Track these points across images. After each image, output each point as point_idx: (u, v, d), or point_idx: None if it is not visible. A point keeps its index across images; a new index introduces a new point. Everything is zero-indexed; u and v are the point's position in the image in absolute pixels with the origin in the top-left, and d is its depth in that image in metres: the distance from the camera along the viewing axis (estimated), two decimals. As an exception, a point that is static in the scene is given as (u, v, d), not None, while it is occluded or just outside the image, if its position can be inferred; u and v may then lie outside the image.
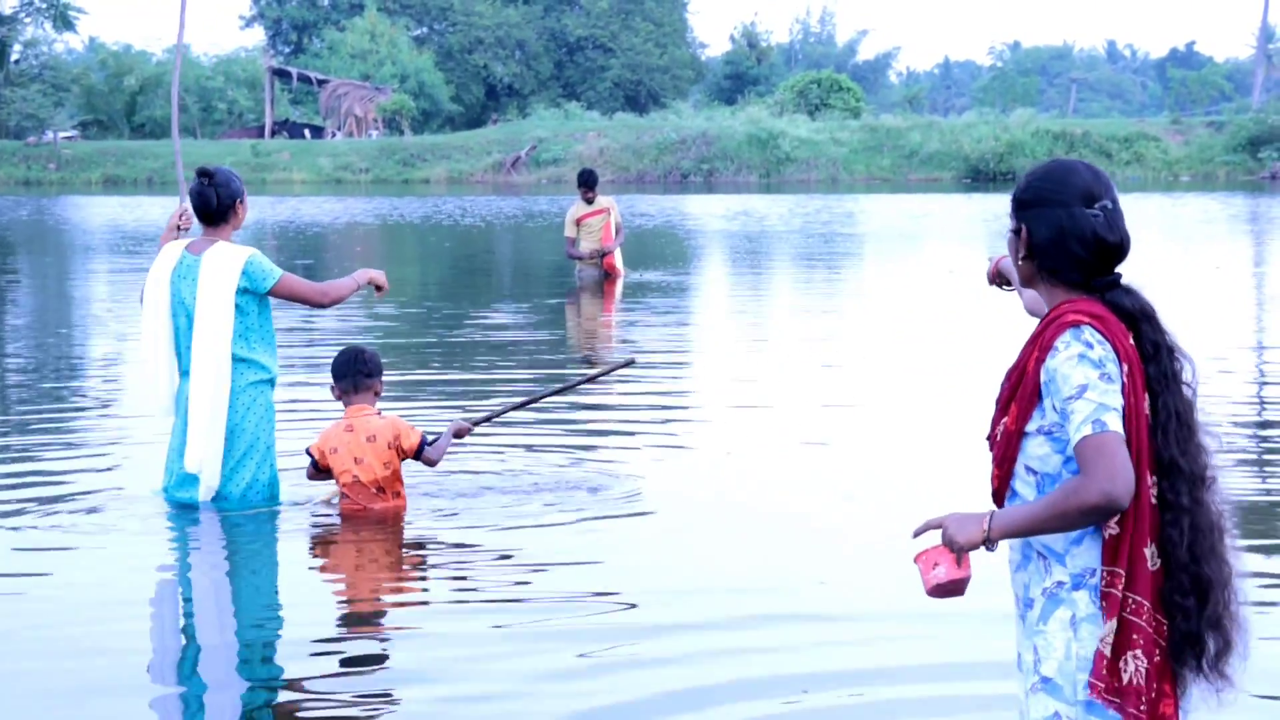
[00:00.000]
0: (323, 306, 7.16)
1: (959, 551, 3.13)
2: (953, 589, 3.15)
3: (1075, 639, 3.06)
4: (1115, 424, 2.97)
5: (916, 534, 3.23)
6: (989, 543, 3.10)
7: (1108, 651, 3.02)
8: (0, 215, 37.38)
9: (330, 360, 7.31)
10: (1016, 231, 3.16)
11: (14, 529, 6.82)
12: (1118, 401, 2.99)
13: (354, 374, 6.96)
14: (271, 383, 7.07)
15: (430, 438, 7.06)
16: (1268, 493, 7.51)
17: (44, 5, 74.06)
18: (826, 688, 4.93)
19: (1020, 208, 3.16)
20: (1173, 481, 3.04)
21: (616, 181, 55.91)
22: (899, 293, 17.58)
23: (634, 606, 5.77)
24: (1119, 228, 3.10)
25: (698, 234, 29.39)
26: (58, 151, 63.09)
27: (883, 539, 6.57)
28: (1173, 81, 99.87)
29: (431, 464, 7.06)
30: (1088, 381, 2.99)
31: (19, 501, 7.31)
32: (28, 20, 75.80)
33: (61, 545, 6.59)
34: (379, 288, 7.30)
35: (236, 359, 6.92)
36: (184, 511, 7.00)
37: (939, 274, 19.57)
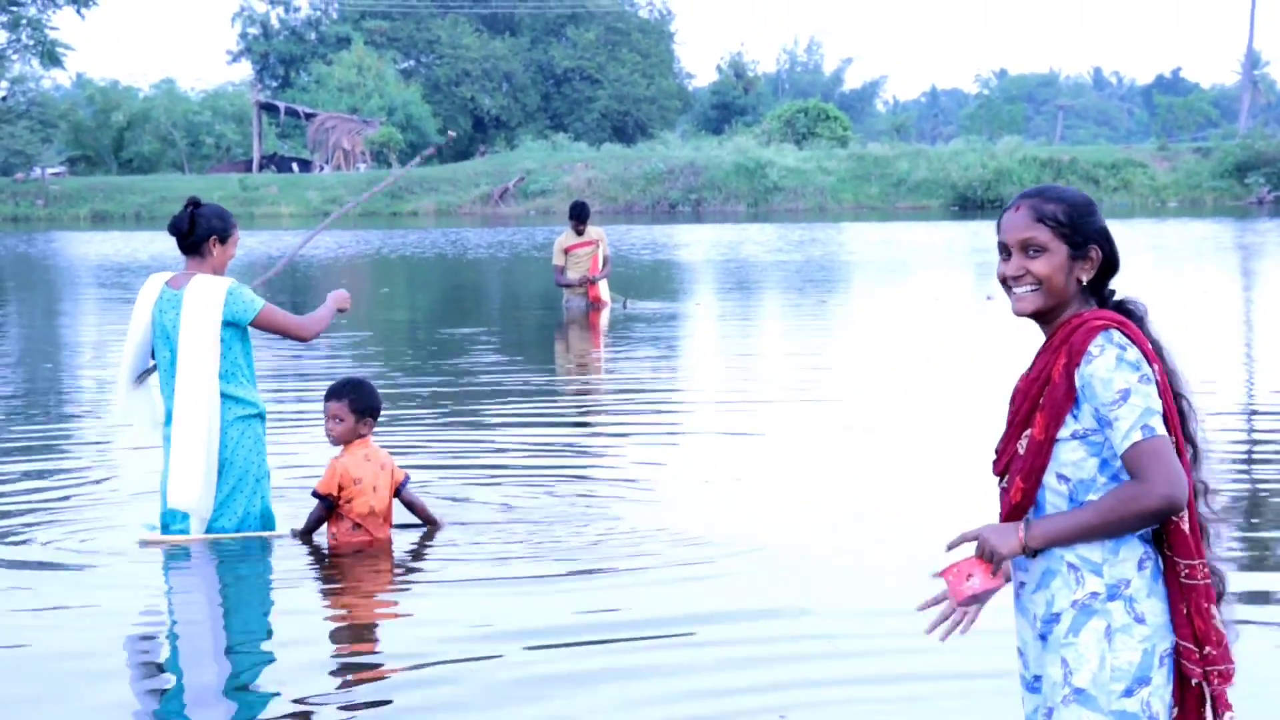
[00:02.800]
0: (305, 340, 7.18)
1: (999, 561, 3.19)
2: (982, 597, 3.23)
3: (1110, 650, 3.12)
4: (1161, 427, 3.08)
5: (951, 547, 3.27)
6: (1029, 551, 3.17)
7: (1221, 627, 3.14)
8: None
9: (320, 393, 7.37)
10: (1080, 253, 3.21)
11: (3, 563, 6.87)
12: (1159, 403, 3.09)
13: (372, 405, 7.06)
14: (260, 417, 7.11)
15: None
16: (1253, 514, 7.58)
17: (31, 42, 74.16)
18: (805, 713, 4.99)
19: (1085, 229, 3.21)
20: (1198, 467, 3.20)
21: (605, 212, 56.04)
22: (885, 321, 17.66)
23: (623, 640, 5.82)
24: None
25: (686, 264, 29.48)
26: (45, 188, 63.14)
27: (869, 566, 6.64)
28: (1159, 108, 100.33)
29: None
30: (1129, 386, 3.08)
31: (8, 535, 7.36)
32: (15, 57, 75.89)
33: (51, 582, 6.63)
34: (344, 304, 7.37)
35: (223, 395, 6.96)
36: (179, 546, 7.05)
37: (926, 302, 19.66)
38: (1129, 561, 3.15)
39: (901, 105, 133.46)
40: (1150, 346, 3.18)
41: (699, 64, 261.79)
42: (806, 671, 5.38)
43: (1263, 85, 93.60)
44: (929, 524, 7.34)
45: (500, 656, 5.56)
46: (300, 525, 7.16)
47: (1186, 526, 3.14)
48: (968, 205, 57.56)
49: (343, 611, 6.39)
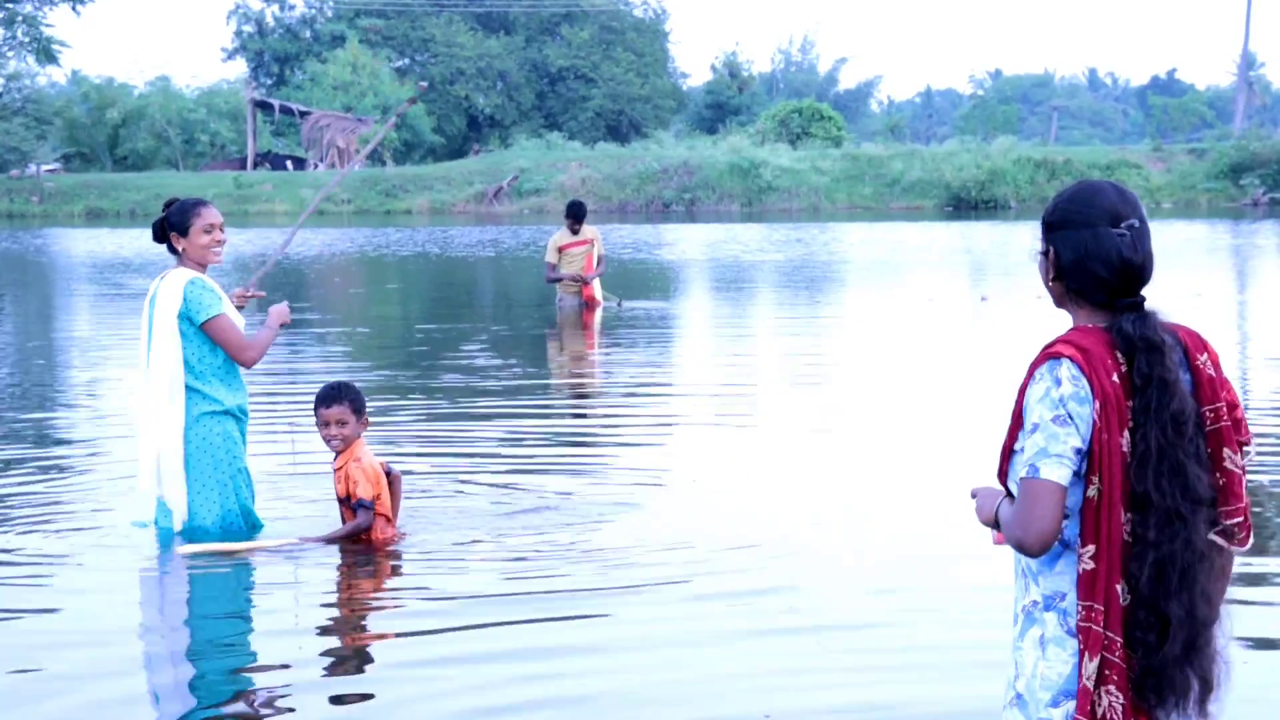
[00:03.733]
0: (245, 365, 7.06)
1: (981, 520, 3.25)
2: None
3: (1043, 658, 3.12)
4: (1051, 470, 3.02)
5: (973, 493, 3.31)
6: (995, 526, 3.20)
7: (1091, 686, 3.05)
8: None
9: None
10: (1045, 253, 3.21)
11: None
12: (1065, 446, 3.03)
13: (364, 403, 7.07)
14: (229, 414, 7.07)
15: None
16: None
17: (26, 39, 74.14)
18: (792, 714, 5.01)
19: (1048, 230, 3.19)
20: (1143, 515, 3.05)
21: (599, 211, 56.04)
22: (878, 322, 17.68)
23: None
24: (1143, 247, 3.14)
25: (679, 264, 29.50)
26: (40, 184, 63.13)
27: (851, 563, 6.66)
28: (1154, 109, 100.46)
29: None
30: (1040, 422, 3.05)
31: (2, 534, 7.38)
32: (10, 54, 75.91)
33: (37, 575, 6.64)
34: (284, 318, 7.28)
35: (188, 389, 6.98)
36: (166, 541, 7.06)
37: (919, 303, 19.68)
38: (1065, 575, 3.13)
39: (896, 105, 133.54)
40: (1114, 380, 3.06)
41: (693, 63, 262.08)
42: (795, 670, 5.40)
43: (1258, 86, 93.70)
44: (916, 522, 7.37)
45: (482, 659, 5.58)
46: (318, 533, 7.08)
47: (1087, 566, 3.07)
48: (962, 206, 57.63)
49: (339, 610, 6.40)
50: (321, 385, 7.22)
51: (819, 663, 5.49)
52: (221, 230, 7.12)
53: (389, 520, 7.07)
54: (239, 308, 7.34)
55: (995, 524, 3.21)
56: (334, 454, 7.05)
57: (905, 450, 9.27)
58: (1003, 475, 3.20)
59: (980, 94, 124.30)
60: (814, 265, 27.89)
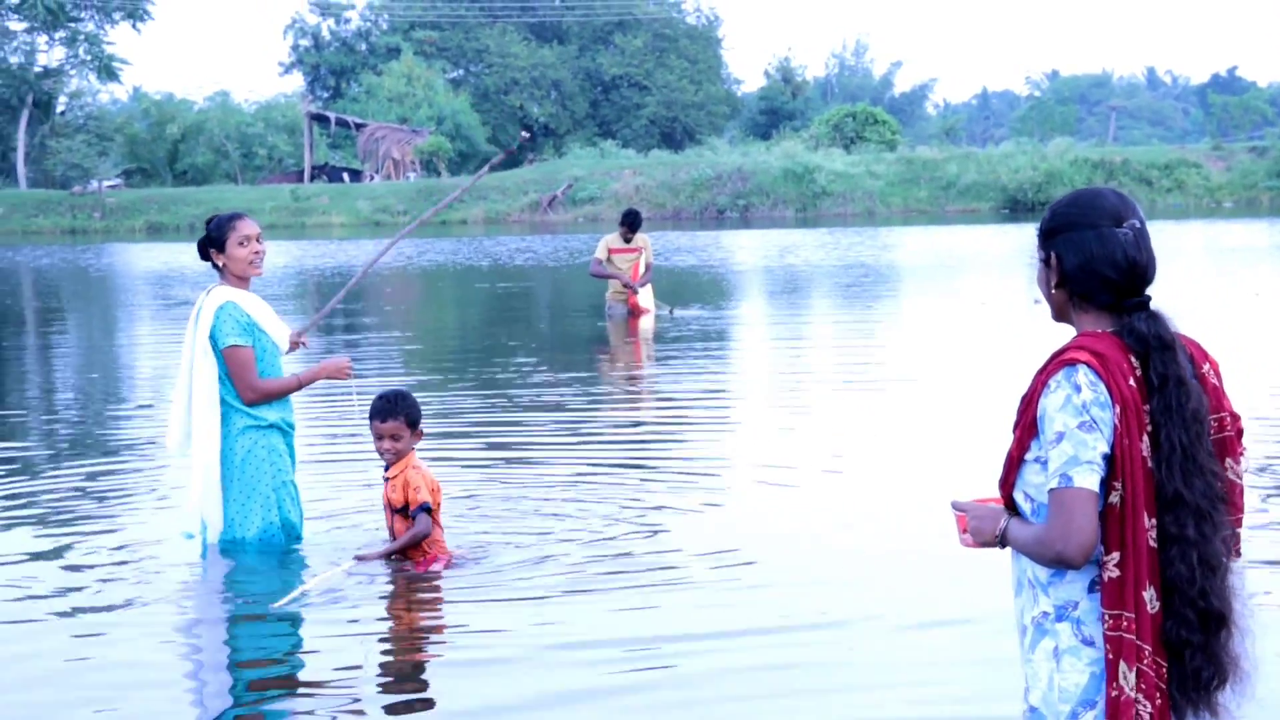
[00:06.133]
0: (245, 400, 7.05)
1: (980, 541, 3.22)
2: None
3: (1058, 670, 3.10)
4: (1084, 478, 3.00)
5: (953, 506, 3.30)
6: (1001, 545, 3.17)
7: (1133, 696, 3.02)
8: (47, 263, 37.86)
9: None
10: (1046, 260, 3.19)
11: (42, 572, 7.01)
12: (1094, 453, 3.01)
13: (420, 415, 6.97)
14: (274, 428, 7.12)
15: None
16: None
17: (88, 57, 75.11)
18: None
19: (1049, 236, 3.18)
20: (1177, 514, 3.03)
21: (653, 219, 56.08)
22: (931, 326, 17.64)
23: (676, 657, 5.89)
24: (1146, 247, 3.14)
25: (733, 270, 29.50)
26: (102, 200, 63.78)
27: (918, 573, 6.68)
28: (1214, 107, 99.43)
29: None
30: (1065, 430, 3.02)
31: (51, 541, 7.52)
32: (73, 72, 76.94)
33: (78, 583, 6.77)
34: (341, 375, 7.24)
35: (228, 405, 7.05)
36: (204, 555, 7.16)
37: (972, 307, 19.61)
38: (1076, 584, 3.11)
39: (952, 108, 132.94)
40: (1131, 384, 3.06)
41: (747, 69, 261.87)
42: (829, 684, 5.44)
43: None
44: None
45: (540, 663, 5.64)
46: (373, 549, 7.00)
47: (1112, 574, 3.05)
48: (1018, 208, 57.27)
49: (393, 622, 6.46)
50: (378, 395, 7.06)
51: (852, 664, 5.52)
52: (259, 241, 7.14)
53: (444, 532, 7.02)
54: (291, 348, 7.34)
55: (1000, 543, 3.18)
56: (386, 464, 6.97)
57: (957, 455, 9.26)
58: (1009, 486, 3.18)
59: (1037, 95, 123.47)
60: (867, 270, 27.81)
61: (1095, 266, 3.13)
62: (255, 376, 7.03)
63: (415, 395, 7.15)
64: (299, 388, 7.17)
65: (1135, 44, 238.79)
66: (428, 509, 6.85)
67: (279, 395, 7.11)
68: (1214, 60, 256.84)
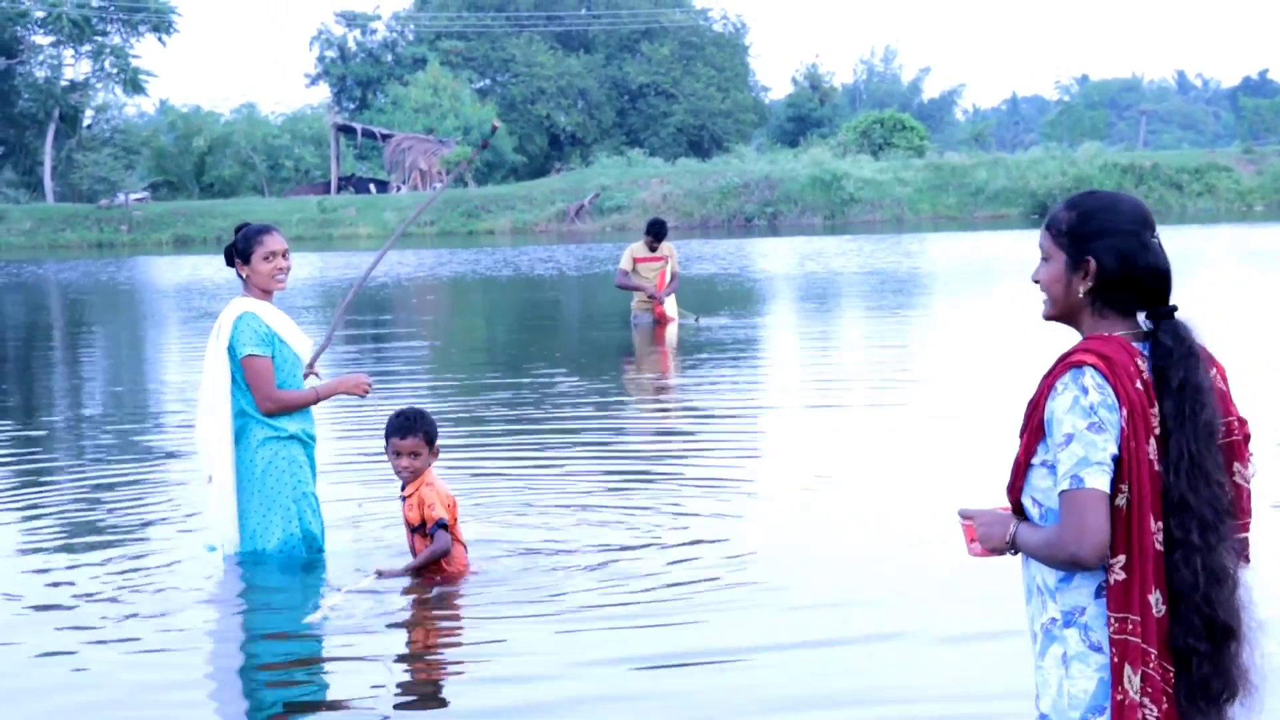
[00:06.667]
0: (262, 410, 7.06)
1: (990, 548, 3.24)
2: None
3: (1067, 676, 3.11)
4: (1095, 479, 3.01)
5: (959, 514, 3.32)
6: (1012, 551, 3.19)
7: (1137, 699, 3.03)
8: (74, 276, 38.08)
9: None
10: (1077, 264, 3.18)
11: (63, 585, 7.07)
12: (1103, 454, 3.02)
13: (436, 432, 6.91)
14: (295, 439, 7.14)
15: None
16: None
17: (114, 70, 75.53)
18: None
19: (1085, 239, 3.17)
20: (1182, 520, 3.05)
21: (680, 227, 56.11)
22: (959, 332, 17.63)
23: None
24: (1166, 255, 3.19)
25: (761, 278, 29.49)
26: (129, 213, 64.05)
27: (951, 592, 6.68)
28: (1245, 110, 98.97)
29: None
30: (1074, 431, 3.03)
31: (72, 556, 7.58)
32: (99, 86, 77.37)
33: (97, 591, 6.82)
34: (358, 391, 7.23)
35: (248, 416, 7.08)
36: (231, 567, 7.21)
37: (1002, 313, 19.58)
38: (1083, 589, 3.12)
39: (981, 113, 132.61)
40: (1138, 387, 3.07)
41: (774, 76, 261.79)
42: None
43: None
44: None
45: (565, 678, 5.66)
46: (392, 565, 6.96)
47: (1118, 577, 3.06)
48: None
49: (425, 639, 6.47)
50: (394, 413, 7.02)
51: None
52: (285, 257, 7.14)
53: (465, 547, 7.00)
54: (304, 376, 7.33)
55: (1010, 549, 3.20)
56: (402, 483, 6.94)
57: (983, 464, 9.25)
58: (1016, 491, 3.20)
59: (1067, 100, 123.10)
60: (895, 277, 27.78)
61: (1137, 275, 3.16)
62: (273, 387, 7.05)
63: (439, 406, 7.18)
64: (316, 402, 7.19)
65: (1165, 47, 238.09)
66: (445, 525, 6.81)
67: (296, 408, 7.13)
68: (1245, 63, 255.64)
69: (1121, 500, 3.05)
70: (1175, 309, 3.16)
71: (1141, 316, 3.19)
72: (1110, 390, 3.05)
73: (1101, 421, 3.03)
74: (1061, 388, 3.08)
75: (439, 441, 6.98)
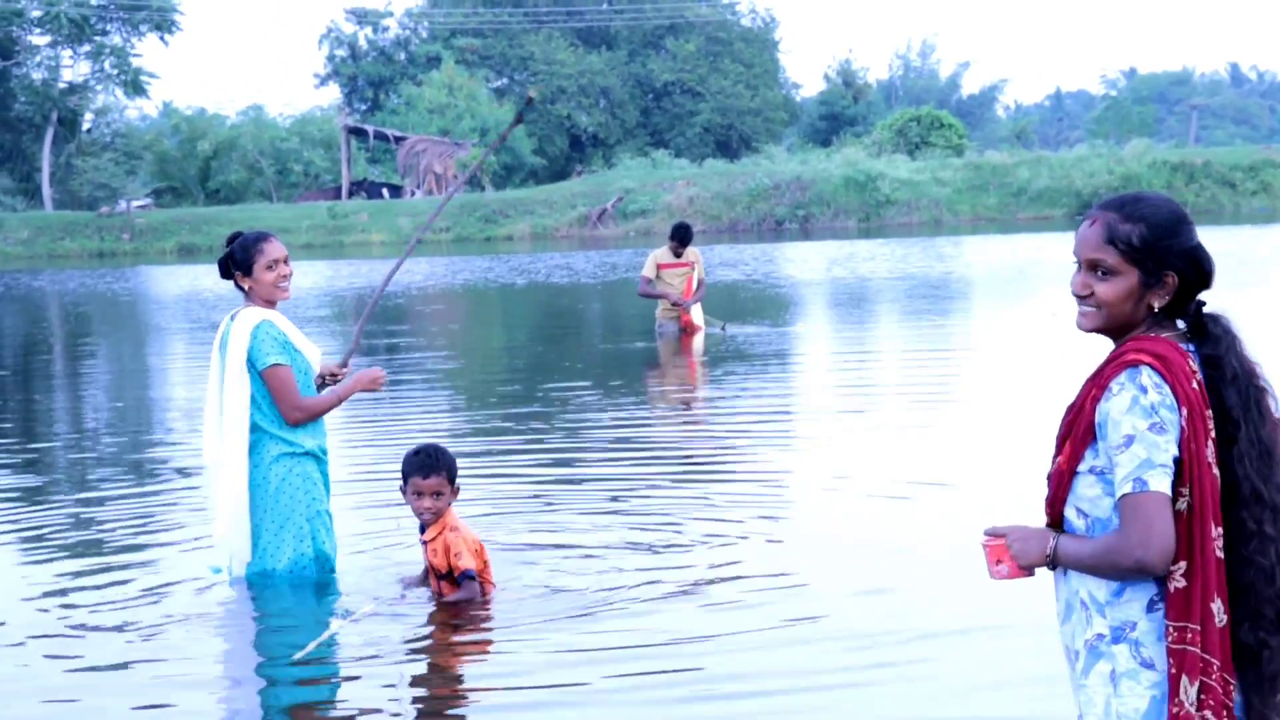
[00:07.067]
0: (289, 420, 7.07)
1: (1022, 567, 3.23)
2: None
3: (1115, 695, 3.11)
4: (1158, 482, 3.02)
5: (988, 534, 3.30)
6: (1051, 565, 3.19)
7: (1194, 712, 3.03)
8: (73, 287, 38.25)
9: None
10: (1156, 279, 3.16)
11: (64, 608, 7.10)
12: (1166, 456, 3.03)
13: (456, 469, 6.78)
14: (310, 455, 7.17)
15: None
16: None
17: (115, 71, 75.82)
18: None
19: (1164, 255, 3.16)
20: (1255, 511, 3.06)
21: (708, 231, 56.14)
22: (998, 339, 17.60)
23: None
24: None
25: (792, 284, 29.48)
26: (131, 221, 64.24)
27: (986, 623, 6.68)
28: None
29: None
30: (1135, 432, 3.04)
31: (72, 579, 7.63)
32: (99, 88, 77.70)
33: (118, 629, 6.86)
34: (375, 386, 7.25)
35: (262, 431, 7.10)
36: (239, 588, 7.24)
37: (1041, 318, 19.54)
38: (1135, 603, 3.12)
39: (1023, 110, 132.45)
40: (1194, 387, 3.09)
41: (805, 73, 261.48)
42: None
43: None
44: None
45: (592, 701, 5.68)
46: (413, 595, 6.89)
47: (1179, 584, 3.06)
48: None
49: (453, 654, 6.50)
50: (411, 450, 6.84)
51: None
52: (287, 264, 7.17)
53: (495, 587, 6.90)
54: (320, 384, 7.36)
55: (1050, 564, 3.19)
56: (421, 524, 6.77)
57: (1020, 475, 9.24)
58: (1059, 502, 3.20)
59: (1113, 95, 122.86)
60: (932, 282, 27.74)
61: (1207, 281, 3.21)
62: (299, 396, 7.07)
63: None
64: (339, 403, 7.22)
65: (1218, 39, 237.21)
66: (473, 576, 6.68)
67: (322, 413, 7.15)
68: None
69: (1182, 505, 3.05)
70: (1204, 302, 3.20)
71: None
72: (1168, 390, 3.07)
73: (1163, 422, 3.04)
74: (1118, 388, 3.09)
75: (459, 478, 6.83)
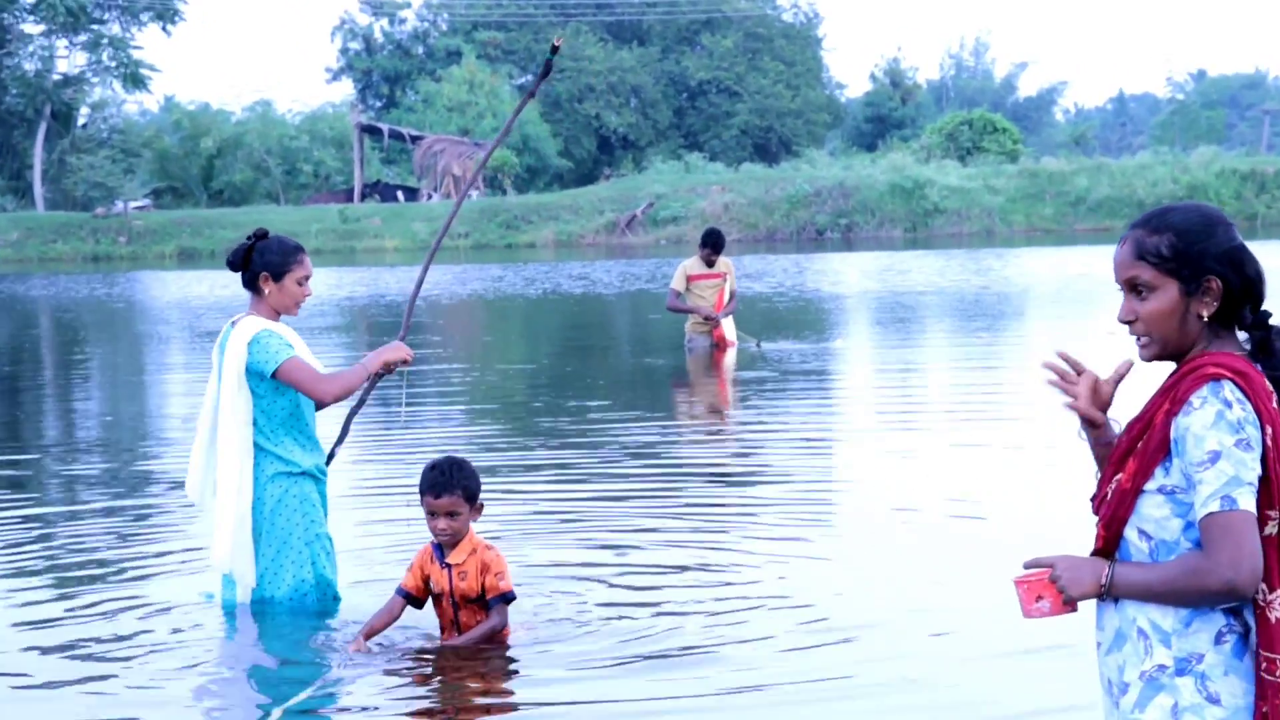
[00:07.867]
0: (322, 402, 7.10)
1: (1071, 600, 3.21)
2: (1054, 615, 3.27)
3: None
4: (1247, 501, 3.02)
5: (1028, 567, 3.28)
6: (1106, 595, 3.18)
7: None
8: (65, 293, 38.43)
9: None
10: (1197, 286, 3.18)
11: (51, 639, 7.10)
12: (1252, 474, 3.04)
13: (478, 486, 6.56)
14: (307, 475, 7.16)
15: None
16: None
17: (113, 63, 76.11)
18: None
19: (1199, 258, 3.18)
20: None
21: (743, 240, 56.17)
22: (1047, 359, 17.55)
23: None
24: None
25: (833, 298, 29.47)
26: (128, 223, 64.50)
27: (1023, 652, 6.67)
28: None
29: None
30: (1221, 448, 3.04)
31: (61, 606, 7.64)
32: (96, 81, 78.00)
33: (94, 647, 6.87)
34: (399, 363, 7.20)
35: (258, 448, 7.09)
36: (231, 616, 7.23)
37: (1099, 337, 19.48)
38: (1203, 634, 3.12)
39: (1083, 114, 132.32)
40: (1275, 407, 3.11)
41: (851, 72, 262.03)
42: None
43: None
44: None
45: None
46: (451, 637, 6.62)
47: (1277, 614, 3.06)
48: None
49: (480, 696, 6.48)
50: (428, 464, 6.61)
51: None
52: (309, 284, 7.22)
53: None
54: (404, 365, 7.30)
55: (1106, 593, 3.18)
56: (438, 546, 6.54)
57: (1067, 501, 9.21)
58: (1120, 521, 3.18)
59: (1180, 98, 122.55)
60: (982, 297, 27.70)
61: (1254, 283, 3.21)
62: (320, 376, 7.04)
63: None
64: (367, 375, 7.14)
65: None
66: (512, 597, 6.52)
67: (351, 390, 7.10)
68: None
69: (1272, 528, 3.07)
70: (1269, 314, 3.21)
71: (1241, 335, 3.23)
72: (1250, 407, 3.08)
73: (1249, 439, 3.05)
74: (1199, 401, 3.09)
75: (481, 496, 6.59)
